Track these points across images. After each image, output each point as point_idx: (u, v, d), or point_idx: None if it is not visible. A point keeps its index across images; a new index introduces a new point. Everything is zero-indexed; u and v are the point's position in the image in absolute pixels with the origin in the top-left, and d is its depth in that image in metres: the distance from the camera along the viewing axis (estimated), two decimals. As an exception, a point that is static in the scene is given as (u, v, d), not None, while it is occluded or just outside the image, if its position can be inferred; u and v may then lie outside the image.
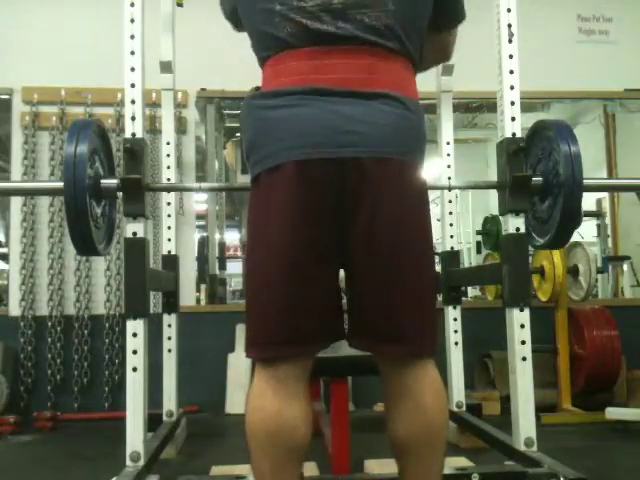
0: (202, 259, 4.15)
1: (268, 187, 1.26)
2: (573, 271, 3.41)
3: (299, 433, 1.24)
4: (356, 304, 1.31)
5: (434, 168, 2.97)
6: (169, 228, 2.80)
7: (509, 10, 2.05)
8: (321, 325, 1.29)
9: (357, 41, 1.27)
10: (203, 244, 4.23)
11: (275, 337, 1.25)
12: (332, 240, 1.26)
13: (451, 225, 2.85)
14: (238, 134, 4.74)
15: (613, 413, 2.95)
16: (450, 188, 2.51)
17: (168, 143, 2.79)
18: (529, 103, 4.05)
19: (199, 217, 4.20)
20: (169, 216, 2.82)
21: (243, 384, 3.46)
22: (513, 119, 2.03)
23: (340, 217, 1.25)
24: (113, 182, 1.89)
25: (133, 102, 1.99)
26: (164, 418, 2.70)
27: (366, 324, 1.30)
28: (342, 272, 1.34)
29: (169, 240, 2.79)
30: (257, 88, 1.42)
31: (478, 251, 4.97)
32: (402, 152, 1.28)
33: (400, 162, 1.28)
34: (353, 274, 1.30)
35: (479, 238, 4.61)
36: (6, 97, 3.79)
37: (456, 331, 2.74)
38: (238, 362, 3.58)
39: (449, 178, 2.74)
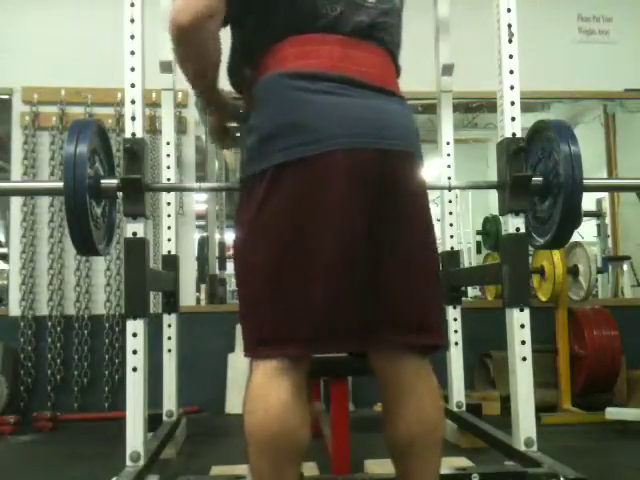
0: (202, 259, 4.16)
1: (309, 175, 1.21)
2: (573, 271, 3.41)
3: (299, 435, 1.24)
4: (381, 296, 1.26)
5: (434, 168, 2.97)
6: (169, 228, 2.80)
7: (509, 10, 2.05)
8: (351, 322, 1.25)
9: (376, 38, 1.31)
10: (203, 244, 4.23)
11: (308, 334, 1.21)
12: (367, 231, 1.23)
13: (451, 225, 2.84)
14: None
15: (613, 413, 2.95)
16: (450, 188, 2.51)
17: (168, 143, 2.79)
18: (529, 103, 4.05)
19: (199, 217, 4.19)
20: (169, 216, 2.81)
21: (243, 384, 3.44)
22: (513, 119, 2.03)
23: (376, 209, 1.23)
24: (113, 182, 1.89)
25: (133, 102, 1.99)
26: (164, 418, 2.70)
27: (395, 315, 1.26)
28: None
29: (169, 240, 2.79)
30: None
31: (478, 251, 4.97)
32: (416, 147, 1.33)
33: (417, 157, 1.33)
34: (380, 266, 1.25)
35: (479, 238, 4.62)
36: (6, 97, 3.79)
37: (456, 331, 2.73)
38: (238, 362, 3.57)
39: (449, 178, 2.74)
